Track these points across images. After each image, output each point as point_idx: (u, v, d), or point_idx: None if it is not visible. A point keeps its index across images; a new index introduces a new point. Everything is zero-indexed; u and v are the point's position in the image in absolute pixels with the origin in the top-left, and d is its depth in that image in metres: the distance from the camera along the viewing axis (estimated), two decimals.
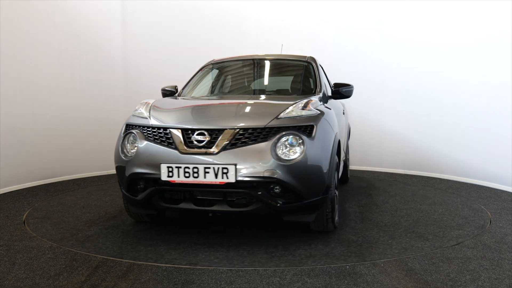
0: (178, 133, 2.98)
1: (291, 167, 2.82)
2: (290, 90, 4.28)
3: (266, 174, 2.80)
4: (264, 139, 2.87)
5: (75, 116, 5.84)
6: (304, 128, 2.96)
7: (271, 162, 2.80)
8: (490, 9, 5.34)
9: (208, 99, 3.89)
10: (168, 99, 3.91)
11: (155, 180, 2.95)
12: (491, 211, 4.09)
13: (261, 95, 4.13)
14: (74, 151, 5.82)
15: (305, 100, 3.23)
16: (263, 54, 4.68)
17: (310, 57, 4.42)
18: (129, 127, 3.28)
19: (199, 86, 4.42)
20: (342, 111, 4.60)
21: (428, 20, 6.02)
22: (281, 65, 4.50)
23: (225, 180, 2.80)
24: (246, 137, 2.89)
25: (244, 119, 3.05)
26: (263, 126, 2.91)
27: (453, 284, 2.41)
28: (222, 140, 2.88)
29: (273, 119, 2.95)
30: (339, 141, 3.52)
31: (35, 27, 5.34)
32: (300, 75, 4.37)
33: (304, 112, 3.07)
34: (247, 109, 3.32)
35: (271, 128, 2.92)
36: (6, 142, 4.94)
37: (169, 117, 3.20)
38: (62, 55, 5.70)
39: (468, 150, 5.67)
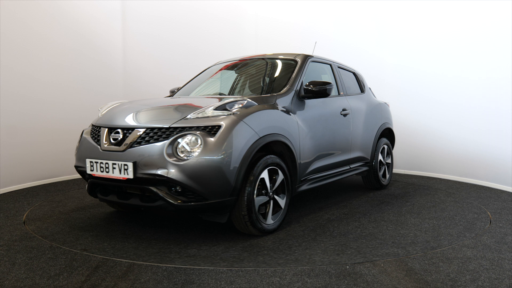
0: (104, 131, 3.27)
1: (184, 167, 2.85)
2: (256, 89, 4.18)
3: (158, 172, 2.89)
4: (166, 139, 2.96)
5: (75, 116, 5.84)
6: (209, 129, 2.98)
7: (164, 160, 2.89)
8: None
9: (165, 100, 3.88)
10: (137, 100, 3.97)
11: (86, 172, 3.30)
12: (491, 211, 4.09)
13: (216, 95, 4.26)
14: (74, 151, 5.82)
15: (225, 102, 3.18)
16: (257, 54, 4.66)
17: (302, 54, 4.24)
18: (92, 126, 3.57)
19: (189, 87, 4.57)
20: (340, 112, 4.33)
21: (423, 17, 6.03)
22: (267, 64, 4.39)
23: (126, 176, 3.00)
24: (150, 136, 3.02)
25: (155, 119, 3.19)
26: (167, 126, 3.02)
27: (453, 284, 2.41)
28: (130, 139, 3.07)
29: (180, 120, 3.05)
30: (286, 144, 3.41)
31: (35, 26, 5.34)
32: (279, 73, 4.20)
33: (215, 113, 3.09)
34: (166, 109, 3.39)
35: (175, 128, 3.00)
36: (6, 142, 4.94)
37: (107, 117, 3.45)
38: (62, 55, 5.70)
39: (468, 150, 5.67)
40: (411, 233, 3.41)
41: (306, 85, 3.81)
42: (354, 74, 5.14)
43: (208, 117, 3.06)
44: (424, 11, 6.05)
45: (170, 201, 2.93)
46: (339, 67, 4.79)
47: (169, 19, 6.86)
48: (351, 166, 4.61)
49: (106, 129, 3.24)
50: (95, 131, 3.39)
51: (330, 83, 3.81)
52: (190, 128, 2.98)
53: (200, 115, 3.08)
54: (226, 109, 3.12)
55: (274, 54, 4.48)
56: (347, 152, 4.48)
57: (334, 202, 4.48)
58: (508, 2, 5.11)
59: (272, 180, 3.35)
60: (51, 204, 4.34)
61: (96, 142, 3.29)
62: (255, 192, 3.13)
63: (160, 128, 3.02)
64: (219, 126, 2.98)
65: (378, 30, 6.45)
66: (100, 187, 3.31)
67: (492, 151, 5.38)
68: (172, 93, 4.63)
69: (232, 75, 4.58)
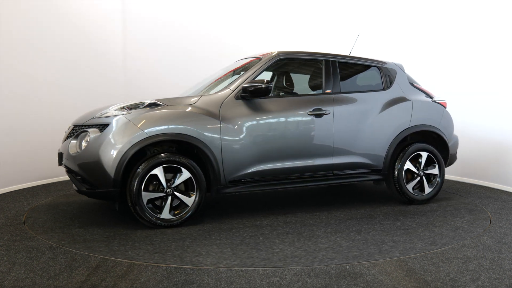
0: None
1: (76, 158, 3.41)
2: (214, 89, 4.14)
3: (64, 162, 3.58)
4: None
5: (76, 116, 5.80)
6: (102, 126, 3.41)
7: (67, 152, 3.50)
8: None
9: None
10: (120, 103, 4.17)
11: None
12: (491, 211, 4.09)
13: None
14: None
15: (129, 103, 3.57)
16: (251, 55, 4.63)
17: (272, 53, 4.07)
18: None
19: (192, 87, 4.60)
20: (307, 112, 3.90)
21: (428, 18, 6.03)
22: (245, 64, 4.27)
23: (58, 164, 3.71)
24: (74, 132, 3.61)
25: (82, 118, 3.70)
26: (81, 124, 3.57)
27: (453, 284, 2.41)
28: (67, 134, 3.69)
29: (90, 119, 3.55)
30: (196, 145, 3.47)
31: (35, 27, 5.34)
32: (244, 73, 4.05)
33: (114, 112, 3.48)
34: (95, 109, 3.78)
35: (85, 126, 3.53)
36: (6, 142, 4.94)
37: None
38: (61, 55, 5.70)
39: (468, 150, 5.67)
40: (278, 252, 2.89)
41: (243, 86, 3.71)
42: (379, 68, 4.47)
43: (108, 116, 3.47)
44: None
45: (79, 187, 3.50)
46: (342, 62, 4.26)
47: (169, 19, 6.86)
48: (336, 172, 4.06)
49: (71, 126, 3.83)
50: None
51: (269, 82, 3.68)
52: (92, 126, 3.46)
53: (104, 114, 3.51)
54: (125, 109, 3.48)
55: (260, 55, 4.29)
56: (325, 157, 3.99)
57: (305, 209, 4.10)
58: None
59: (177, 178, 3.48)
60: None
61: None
62: (142, 186, 3.36)
63: (78, 126, 3.59)
64: (108, 124, 3.38)
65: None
66: None
67: (492, 151, 5.38)
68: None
69: (228, 75, 4.56)
